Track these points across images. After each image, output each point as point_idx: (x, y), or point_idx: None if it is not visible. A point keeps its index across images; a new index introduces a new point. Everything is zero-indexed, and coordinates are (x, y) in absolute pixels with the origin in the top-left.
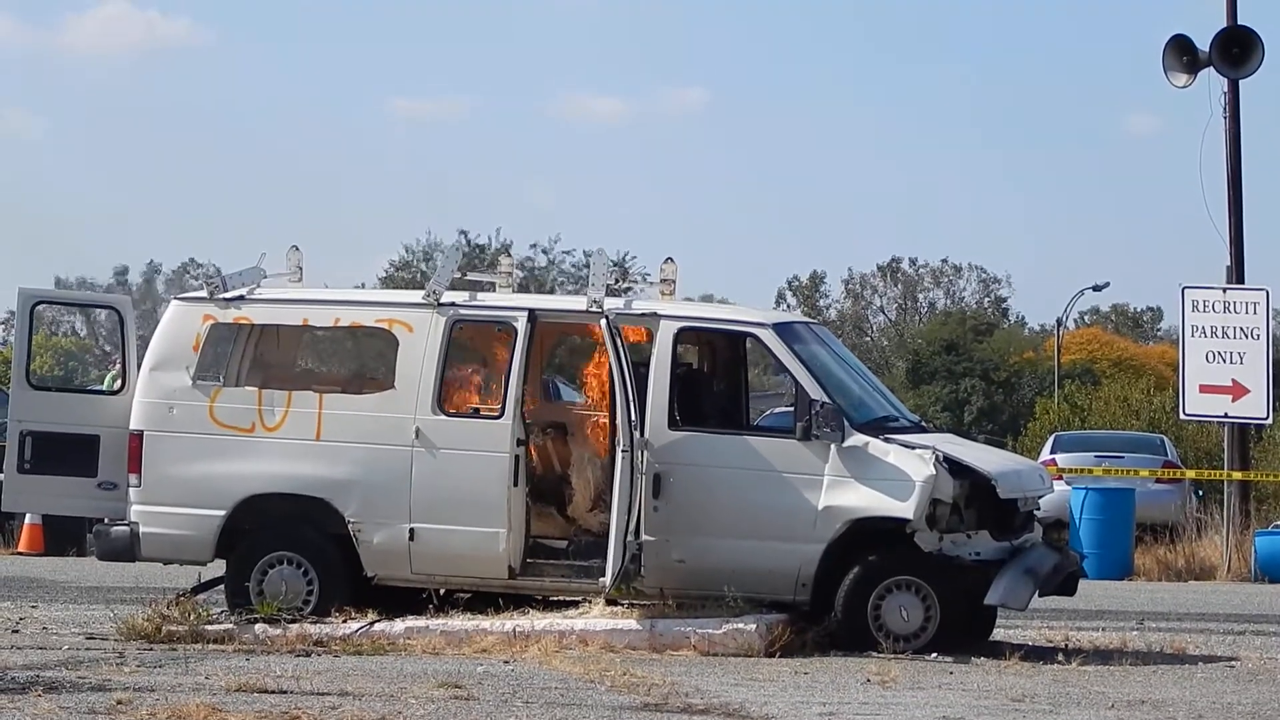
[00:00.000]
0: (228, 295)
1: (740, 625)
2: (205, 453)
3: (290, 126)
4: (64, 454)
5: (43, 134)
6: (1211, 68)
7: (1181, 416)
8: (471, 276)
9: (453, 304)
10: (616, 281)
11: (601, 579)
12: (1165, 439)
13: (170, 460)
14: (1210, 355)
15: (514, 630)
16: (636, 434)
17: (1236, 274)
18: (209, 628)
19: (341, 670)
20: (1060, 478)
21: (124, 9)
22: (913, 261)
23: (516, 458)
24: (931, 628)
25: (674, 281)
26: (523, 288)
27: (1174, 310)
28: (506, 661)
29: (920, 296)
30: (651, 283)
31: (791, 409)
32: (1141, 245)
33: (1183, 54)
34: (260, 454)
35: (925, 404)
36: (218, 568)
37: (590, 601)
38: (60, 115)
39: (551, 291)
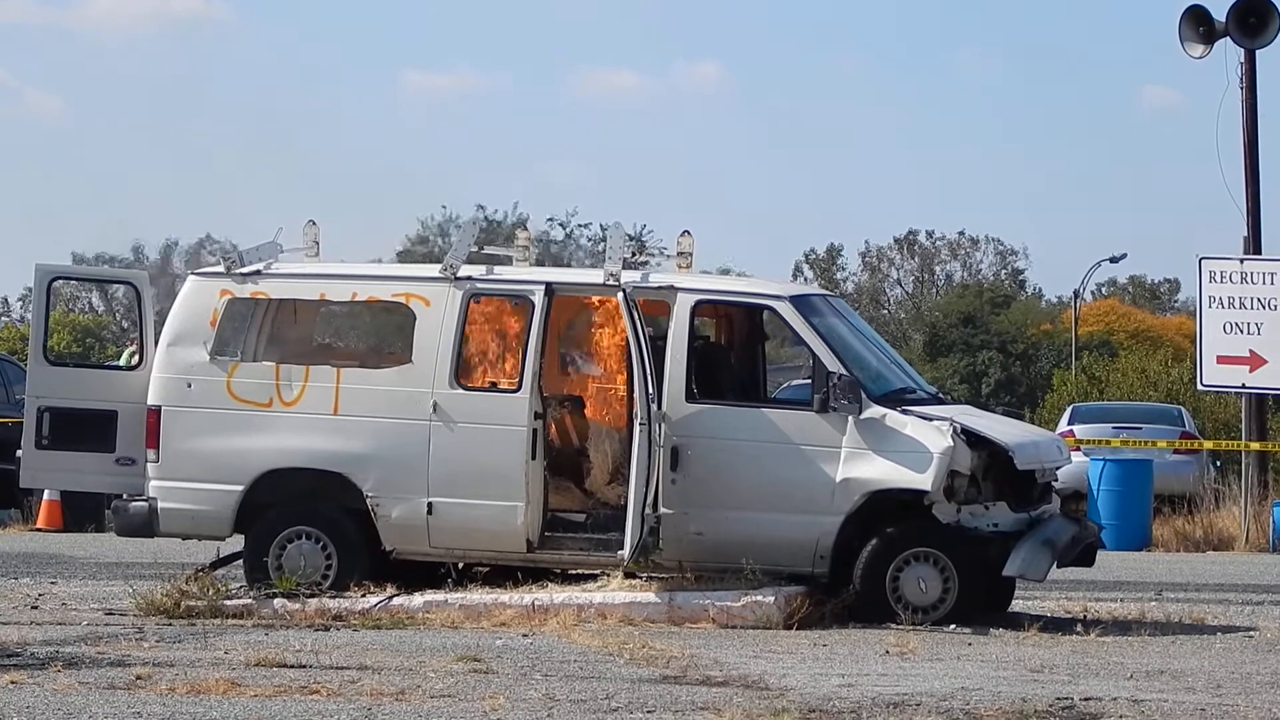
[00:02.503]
0: (245, 270)
1: (759, 597)
2: (223, 428)
3: (306, 100)
4: (82, 430)
5: (59, 111)
6: (1228, 38)
7: (1199, 387)
8: (488, 250)
9: (469, 278)
10: (633, 255)
11: (620, 552)
12: (1183, 410)
13: (188, 435)
14: (1228, 326)
15: (532, 604)
16: (654, 407)
17: (1254, 245)
18: (227, 603)
19: (360, 644)
20: (1078, 449)
21: None
22: (929, 234)
23: (534, 431)
24: (950, 599)
25: (691, 254)
26: (539, 262)
27: (1191, 281)
28: (525, 635)
29: (937, 269)
30: (668, 256)
31: (809, 381)
32: (1158, 217)
33: (1199, 24)
34: (278, 429)
35: (943, 376)
36: (236, 543)
37: (609, 575)
38: (76, 92)
39: (569, 265)
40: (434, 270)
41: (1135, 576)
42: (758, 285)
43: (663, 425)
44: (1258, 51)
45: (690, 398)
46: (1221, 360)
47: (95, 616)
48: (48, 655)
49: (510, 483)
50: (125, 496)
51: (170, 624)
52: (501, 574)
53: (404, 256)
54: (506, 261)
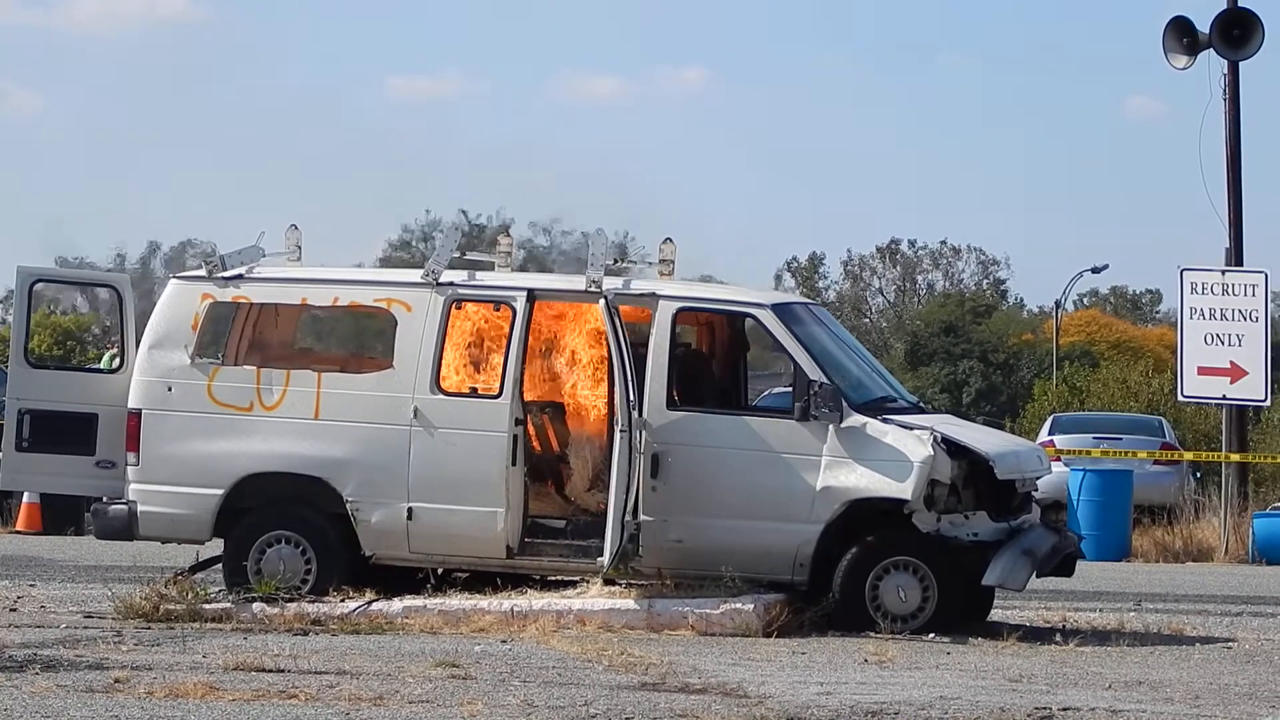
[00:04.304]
0: (226, 274)
1: (738, 605)
2: (203, 431)
3: (288, 104)
4: (62, 432)
5: (42, 112)
6: (1211, 49)
7: (1180, 398)
8: (471, 256)
9: (451, 283)
10: (615, 261)
11: (599, 559)
12: (1163, 421)
13: (168, 439)
14: (1209, 337)
15: (512, 610)
16: (635, 414)
17: (1235, 256)
18: (207, 606)
19: (339, 649)
20: (1058, 459)
21: None
22: (912, 243)
23: (515, 437)
24: (929, 608)
25: (673, 262)
26: (522, 267)
27: (1173, 292)
28: (504, 641)
29: (919, 278)
30: (650, 263)
31: (790, 389)
32: (1141, 227)
33: (1183, 35)
34: (258, 433)
35: (924, 385)
36: (216, 547)
37: (588, 581)
38: (59, 93)
39: (551, 271)
40: (416, 275)
41: (1114, 587)
42: (740, 293)
43: (643, 432)
44: (1241, 63)
45: (671, 405)
46: (1202, 371)
47: (74, 619)
48: (26, 658)
49: (490, 488)
50: (105, 499)
51: (149, 627)
52: (481, 580)
53: (386, 261)
54: (489, 267)
